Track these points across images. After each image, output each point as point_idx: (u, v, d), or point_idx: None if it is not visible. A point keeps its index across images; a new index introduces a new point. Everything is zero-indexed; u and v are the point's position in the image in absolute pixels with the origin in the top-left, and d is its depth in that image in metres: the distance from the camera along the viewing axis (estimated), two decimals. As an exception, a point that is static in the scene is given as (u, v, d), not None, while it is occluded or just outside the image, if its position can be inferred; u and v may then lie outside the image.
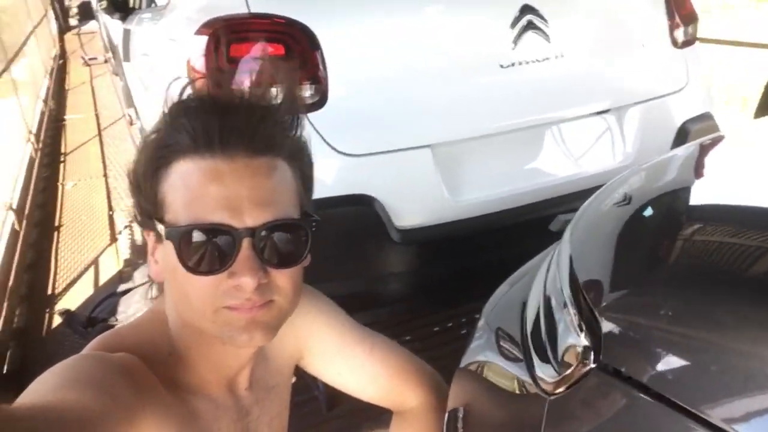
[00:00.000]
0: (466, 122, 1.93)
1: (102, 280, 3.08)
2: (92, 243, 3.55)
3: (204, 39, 1.76)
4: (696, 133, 2.33)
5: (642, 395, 0.52)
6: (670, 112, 2.30)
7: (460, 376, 0.92)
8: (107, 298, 2.62)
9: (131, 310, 2.47)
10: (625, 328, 0.62)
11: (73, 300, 2.89)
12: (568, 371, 0.61)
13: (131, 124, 5.56)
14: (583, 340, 0.62)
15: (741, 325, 0.54)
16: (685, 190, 0.93)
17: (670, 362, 0.55)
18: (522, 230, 2.05)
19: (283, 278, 0.74)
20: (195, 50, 1.80)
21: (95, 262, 3.29)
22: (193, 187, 0.71)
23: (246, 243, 0.70)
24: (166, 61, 2.23)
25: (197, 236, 0.71)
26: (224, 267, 0.71)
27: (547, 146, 2.10)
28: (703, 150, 1.14)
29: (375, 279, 1.94)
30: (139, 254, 3.31)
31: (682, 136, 2.30)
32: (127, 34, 3.38)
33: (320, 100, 1.76)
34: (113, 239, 3.56)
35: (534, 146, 2.08)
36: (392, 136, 1.83)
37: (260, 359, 0.90)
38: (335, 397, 2.02)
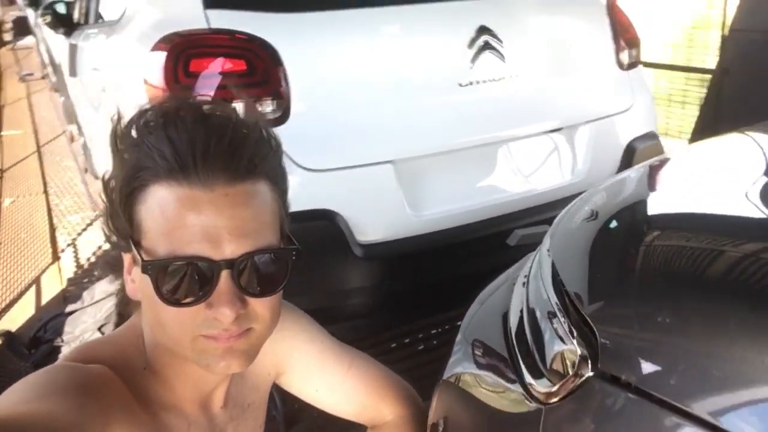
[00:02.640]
0: (427, 139, 1.96)
1: (44, 301, 2.95)
2: (33, 262, 3.41)
3: (162, 54, 1.73)
4: (642, 151, 2.43)
5: (643, 400, 0.54)
6: (618, 131, 2.40)
7: (443, 389, 0.92)
8: (53, 319, 2.51)
9: (78, 330, 2.36)
10: (621, 335, 0.64)
11: (13, 321, 2.76)
12: (565, 380, 0.62)
13: (72, 140, 5.38)
14: (578, 348, 0.63)
15: (740, 328, 0.56)
16: (661, 200, 0.97)
17: (668, 366, 0.57)
18: (481, 245, 2.09)
19: (262, 306, 0.73)
20: (152, 66, 1.76)
21: (36, 282, 3.16)
22: (171, 217, 0.69)
23: (225, 275, 0.69)
24: (120, 76, 2.18)
25: (175, 268, 0.69)
26: (202, 299, 0.69)
27: (503, 163, 2.14)
28: (653, 169, 1.19)
29: (337, 294, 1.94)
30: (83, 273, 3.19)
31: (629, 154, 2.39)
32: (73, 49, 3.28)
33: (282, 116, 1.75)
34: (55, 258, 3.42)
35: (491, 163, 2.13)
36: (355, 151, 1.84)
37: (237, 377, 0.89)
38: (293, 417, 1.99)
